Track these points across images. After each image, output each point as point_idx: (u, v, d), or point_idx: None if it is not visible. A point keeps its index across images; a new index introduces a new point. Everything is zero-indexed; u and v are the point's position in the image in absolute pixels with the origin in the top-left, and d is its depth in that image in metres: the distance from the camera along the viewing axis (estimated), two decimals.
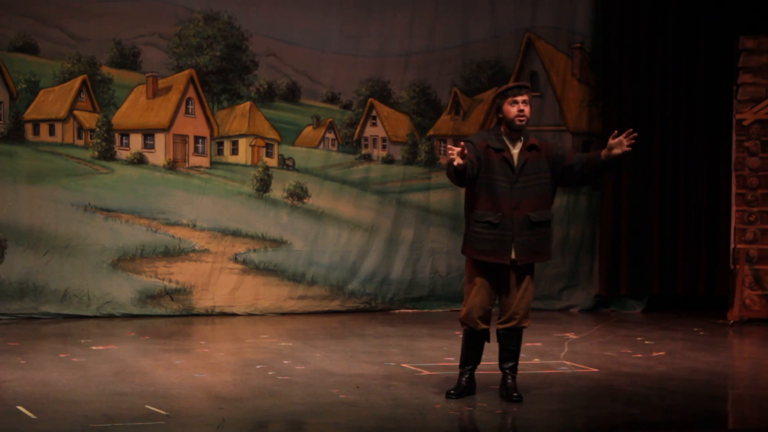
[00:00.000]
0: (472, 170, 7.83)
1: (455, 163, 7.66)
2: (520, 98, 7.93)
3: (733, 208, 12.89)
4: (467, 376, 8.23)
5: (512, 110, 7.94)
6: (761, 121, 12.82)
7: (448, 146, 7.89)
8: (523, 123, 7.94)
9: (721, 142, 13.57)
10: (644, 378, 9.06)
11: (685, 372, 9.39)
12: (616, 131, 7.97)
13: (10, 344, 10.66)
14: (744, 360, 10.81)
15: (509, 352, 8.17)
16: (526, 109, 7.94)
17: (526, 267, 8.07)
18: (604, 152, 7.88)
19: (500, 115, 8.02)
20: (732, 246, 12.91)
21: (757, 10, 13.53)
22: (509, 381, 8.14)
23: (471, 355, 8.24)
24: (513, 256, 7.98)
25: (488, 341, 8.21)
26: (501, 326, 8.11)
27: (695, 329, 12.12)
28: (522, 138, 8.01)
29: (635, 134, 7.83)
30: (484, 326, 8.13)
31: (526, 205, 7.97)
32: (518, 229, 7.96)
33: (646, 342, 11.14)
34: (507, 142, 8.00)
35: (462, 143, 7.76)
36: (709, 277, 13.76)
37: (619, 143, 7.83)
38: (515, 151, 7.99)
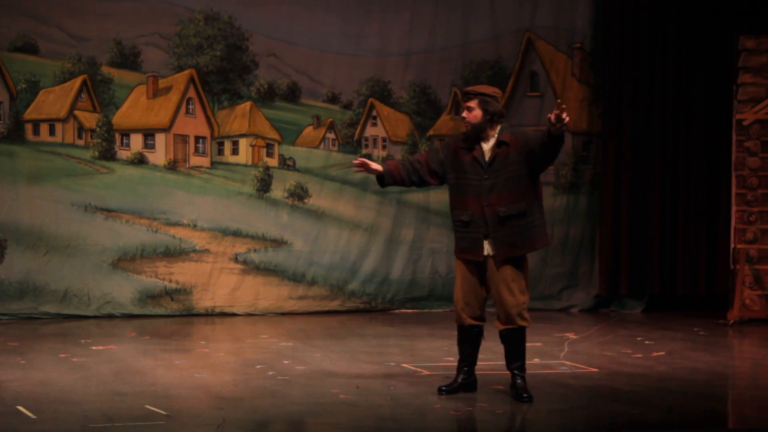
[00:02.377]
0: (397, 177, 8.23)
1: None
2: (465, 104, 8.14)
3: (733, 208, 12.89)
4: (462, 374, 8.28)
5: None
6: (761, 121, 12.82)
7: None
8: (469, 128, 8.11)
9: (721, 142, 13.57)
10: (644, 378, 9.06)
11: (685, 372, 9.39)
12: (550, 115, 7.84)
13: (10, 344, 10.66)
14: (744, 360, 10.81)
15: (513, 353, 8.18)
16: (468, 116, 8.10)
17: (509, 263, 8.07)
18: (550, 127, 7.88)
19: None
20: (732, 246, 12.91)
21: (757, 10, 13.53)
22: (518, 381, 8.14)
23: (463, 351, 8.29)
24: (486, 252, 8.06)
25: (483, 338, 8.26)
26: (500, 327, 8.14)
27: (695, 329, 12.12)
28: (495, 135, 8.09)
29: (563, 105, 7.77)
30: (472, 321, 8.18)
31: (496, 201, 8.03)
32: (491, 225, 8.04)
33: (646, 342, 11.14)
34: (479, 141, 8.12)
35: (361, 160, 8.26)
36: (709, 277, 13.76)
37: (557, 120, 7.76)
38: (486, 149, 8.10)
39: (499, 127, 8.10)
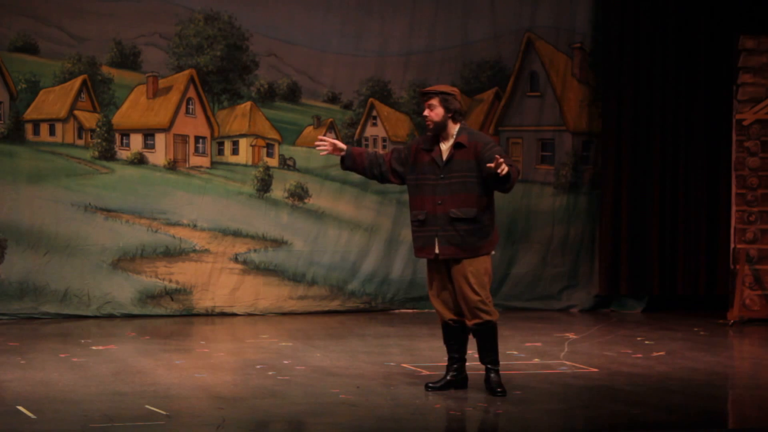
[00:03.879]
0: (358, 163, 8.40)
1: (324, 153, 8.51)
2: (426, 103, 8.23)
3: (733, 208, 12.89)
4: (451, 372, 8.40)
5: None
6: (761, 121, 12.81)
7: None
8: (431, 126, 8.21)
9: (721, 142, 13.57)
10: (644, 378, 9.06)
11: (685, 372, 9.39)
12: (490, 165, 7.96)
13: (10, 344, 10.67)
14: (744, 360, 10.81)
15: (482, 347, 8.32)
16: (432, 114, 8.21)
17: (461, 261, 8.18)
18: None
19: None
20: (732, 246, 12.91)
21: (757, 10, 13.53)
22: (492, 376, 8.28)
23: (449, 347, 8.43)
24: (436, 250, 8.21)
25: (467, 332, 8.36)
26: (469, 323, 8.28)
27: (695, 329, 12.12)
28: (454, 135, 8.21)
29: (501, 159, 7.87)
30: (451, 316, 8.33)
31: (450, 201, 8.16)
32: (442, 224, 8.18)
33: (646, 342, 11.14)
34: (438, 141, 8.25)
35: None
36: (709, 277, 13.76)
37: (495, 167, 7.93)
38: (444, 149, 8.23)
39: (458, 127, 8.22)
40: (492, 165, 7.86)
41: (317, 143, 8.45)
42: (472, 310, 8.20)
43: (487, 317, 8.21)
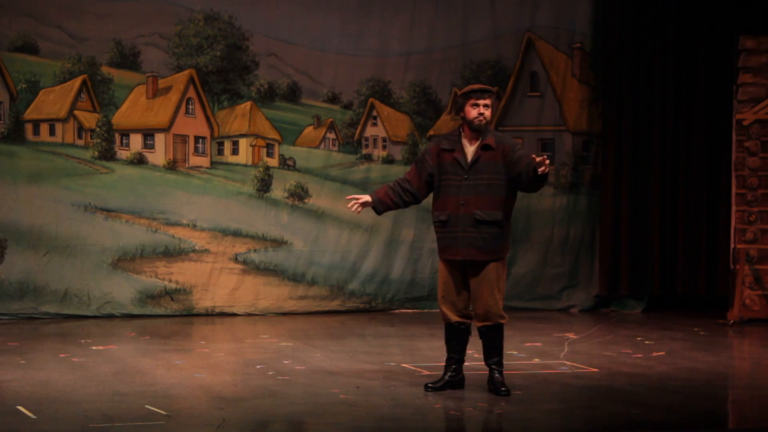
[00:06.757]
0: (389, 203, 8.33)
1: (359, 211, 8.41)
2: (481, 102, 8.17)
3: (733, 208, 12.89)
4: (450, 372, 8.39)
5: (472, 112, 8.17)
6: (761, 121, 12.82)
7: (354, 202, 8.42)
8: (482, 124, 8.16)
9: (721, 142, 13.57)
10: (644, 378, 9.07)
11: (685, 372, 9.39)
12: (534, 157, 7.98)
13: (10, 344, 10.67)
14: (744, 360, 10.81)
15: (490, 348, 8.32)
16: (487, 112, 8.18)
17: (482, 264, 8.16)
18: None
19: (462, 114, 8.26)
20: (732, 246, 12.91)
21: (757, 10, 13.54)
22: (496, 376, 8.28)
23: (450, 348, 8.42)
24: (460, 252, 8.18)
25: (469, 334, 8.37)
26: (478, 324, 8.28)
27: (695, 329, 12.12)
28: (480, 137, 8.19)
29: (547, 160, 7.89)
30: (457, 318, 8.31)
31: (473, 202, 8.15)
32: (463, 225, 8.16)
33: (646, 342, 11.14)
34: (464, 141, 8.23)
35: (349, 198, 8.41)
36: (709, 277, 13.76)
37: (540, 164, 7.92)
38: (470, 149, 8.20)
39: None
40: (537, 160, 7.82)
41: (349, 205, 8.36)
42: (487, 313, 8.20)
43: (499, 320, 8.23)
